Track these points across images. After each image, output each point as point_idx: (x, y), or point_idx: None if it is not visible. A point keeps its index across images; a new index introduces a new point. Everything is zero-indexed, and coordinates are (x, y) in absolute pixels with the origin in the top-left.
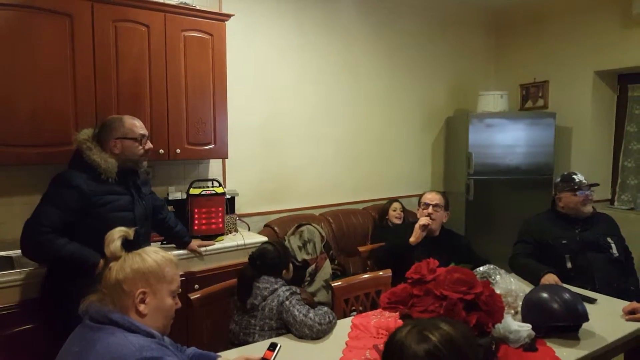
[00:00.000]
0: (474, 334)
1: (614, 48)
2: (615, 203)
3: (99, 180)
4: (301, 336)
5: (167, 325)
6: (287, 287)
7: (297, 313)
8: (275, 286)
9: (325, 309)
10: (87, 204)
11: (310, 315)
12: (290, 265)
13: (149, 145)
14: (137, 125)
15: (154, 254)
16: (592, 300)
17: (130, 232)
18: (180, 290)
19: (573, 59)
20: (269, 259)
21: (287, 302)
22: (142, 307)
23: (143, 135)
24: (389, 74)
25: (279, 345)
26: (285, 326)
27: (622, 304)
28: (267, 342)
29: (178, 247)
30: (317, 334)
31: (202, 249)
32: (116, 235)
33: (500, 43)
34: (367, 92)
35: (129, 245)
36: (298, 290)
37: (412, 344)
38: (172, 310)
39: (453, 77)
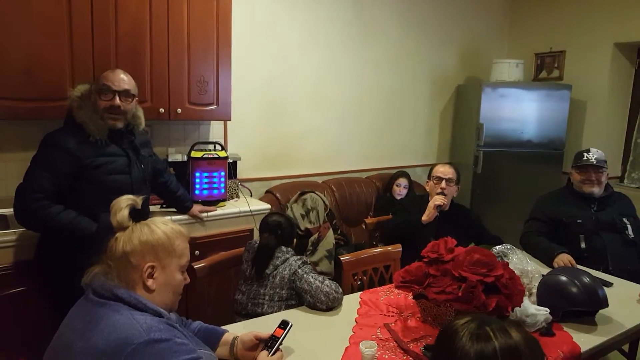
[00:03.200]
0: (541, 349)
1: (637, 19)
2: (625, 181)
3: (90, 142)
4: (315, 303)
5: (175, 302)
6: (298, 257)
7: (312, 280)
8: (287, 255)
9: (334, 282)
10: (79, 167)
11: (327, 282)
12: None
13: (114, 101)
14: (108, 77)
15: (164, 226)
16: (608, 284)
17: (139, 200)
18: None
19: (592, 29)
20: (287, 230)
21: (300, 271)
22: (150, 282)
23: (106, 87)
24: (400, 36)
25: (290, 324)
26: (294, 297)
27: (638, 288)
28: (275, 316)
29: (179, 212)
30: (333, 301)
31: (204, 214)
32: (123, 204)
33: (516, 8)
34: (375, 55)
35: (137, 214)
36: (308, 260)
37: (467, 338)
38: (181, 286)
39: (465, 42)
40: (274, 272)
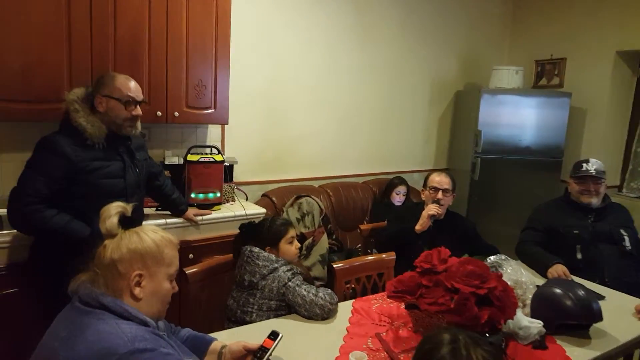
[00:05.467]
0: None
1: (639, 27)
2: (624, 190)
3: (85, 146)
4: (310, 316)
5: (163, 311)
6: (288, 267)
7: (305, 293)
8: (275, 265)
9: (329, 290)
10: (74, 171)
11: (320, 294)
12: (283, 245)
13: (137, 111)
14: (129, 87)
15: (153, 234)
16: (600, 297)
17: (129, 207)
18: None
19: (594, 37)
20: (254, 228)
21: (291, 284)
22: (137, 291)
23: (131, 99)
24: (399, 41)
25: (280, 335)
26: (284, 307)
27: (633, 301)
28: (265, 324)
29: (173, 215)
30: (328, 313)
31: (199, 218)
32: (113, 211)
33: (516, 14)
34: (374, 60)
35: (127, 222)
36: (299, 270)
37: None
38: (169, 295)
39: (465, 48)
40: (263, 283)
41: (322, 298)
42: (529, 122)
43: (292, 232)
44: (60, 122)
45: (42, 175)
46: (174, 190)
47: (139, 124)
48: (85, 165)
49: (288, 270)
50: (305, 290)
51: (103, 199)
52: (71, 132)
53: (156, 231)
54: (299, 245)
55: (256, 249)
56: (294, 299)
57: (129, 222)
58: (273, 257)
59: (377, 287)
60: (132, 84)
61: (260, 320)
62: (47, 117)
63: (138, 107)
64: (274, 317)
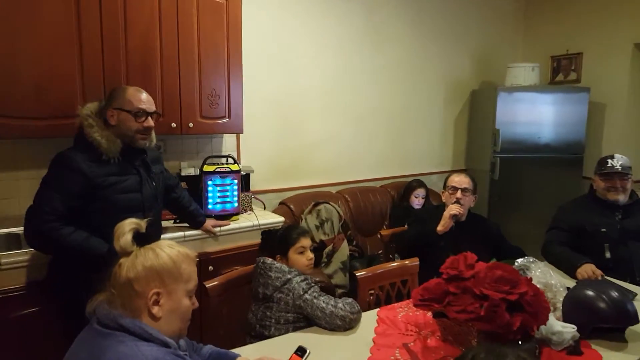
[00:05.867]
0: None
1: None
2: None
3: (101, 161)
4: (332, 328)
5: (184, 328)
6: (302, 278)
7: (324, 305)
8: (289, 276)
9: (350, 299)
10: (91, 187)
11: (340, 305)
12: (292, 254)
13: (149, 122)
14: (139, 98)
15: (169, 249)
16: (632, 294)
17: (143, 224)
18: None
19: (611, 30)
20: (270, 235)
21: (308, 296)
22: (155, 310)
23: (142, 110)
24: (412, 43)
25: (308, 351)
26: (302, 319)
27: None
28: (288, 337)
29: (191, 227)
30: (350, 323)
31: (217, 229)
32: (127, 228)
33: (529, 9)
34: (388, 63)
35: (142, 238)
36: (315, 279)
37: None
38: (189, 312)
39: (479, 47)
40: (278, 296)
41: (342, 309)
42: (548, 119)
43: (304, 242)
44: (75, 137)
45: (58, 192)
46: (191, 202)
47: (153, 136)
48: (102, 181)
49: (302, 281)
50: (323, 302)
51: (120, 214)
52: (86, 148)
53: (172, 246)
54: (312, 256)
55: (269, 260)
56: (313, 312)
57: (144, 238)
58: (286, 268)
59: (402, 294)
60: (143, 95)
61: (279, 335)
62: (62, 132)
63: (150, 118)
64: (293, 329)
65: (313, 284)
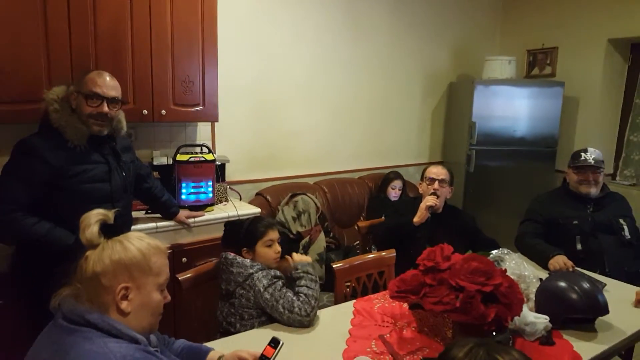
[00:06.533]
0: None
1: (630, 15)
2: (617, 178)
3: (67, 148)
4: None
5: (155, 323)
6: (264, 273)
7: (282, 310)
8: (250, 271)
9: (304, 290)
10: (55, 176)
11: (296, 309)
12: (259, 247)
13: (102, 108)
14: (96, 82)
15: (138, 242)
16: (601, 284)
17: (110, 214)
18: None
19: (586, 25)
20: (234, 227)
21: (267, 294)
22: (124, 305)
23: (95, 94)
24: (391, 33)
25: (281, 342)
26: (266, 313)
27: (634, 290)
28: (262, 330)
29: (164, 218)
30: (309, 323)
31: (191, 220)
32: (93, 219)
33: (507, 4)
34: (366, 53)
35: (109, 230)
36: (278, 273)
37: None
38: (160, 306)
39: (457, 39)
40: (239, 291)
41: (297, 314)
42: (523, 113)
43: (272, 235)
44: (40, 123)
45: (20, 181)
46: (163, 192)
47: (124, 124)
48: (68, 170)
49: (264, 277)
50: (281, 306)
51: (87, 205)
52: (51, 134)
53: (142, 238)
54: (279, 249)
55: (231, 256)
56: (272, 313)
57: (112, 230)
58: (248, 262)
59: (378, 285)
60: (103, 79)
61: (245, 330)
62: (26, 118)
63: (104, 103)
64: (259, 325)
65: (275, 279)
